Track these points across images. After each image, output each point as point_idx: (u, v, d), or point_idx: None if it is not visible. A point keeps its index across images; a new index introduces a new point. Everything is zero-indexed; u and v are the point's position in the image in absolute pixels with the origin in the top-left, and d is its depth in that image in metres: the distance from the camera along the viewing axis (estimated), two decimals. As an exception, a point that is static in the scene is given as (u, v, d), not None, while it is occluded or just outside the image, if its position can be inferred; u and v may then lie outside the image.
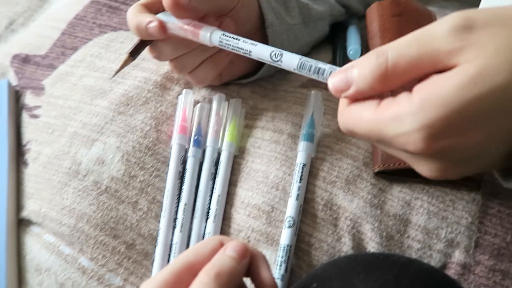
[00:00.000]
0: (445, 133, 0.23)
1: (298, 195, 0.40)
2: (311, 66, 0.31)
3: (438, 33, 0.24)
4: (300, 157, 0.41)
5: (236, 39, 0.35)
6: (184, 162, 0.43)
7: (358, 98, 0.27)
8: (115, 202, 0.41)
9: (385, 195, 0.39)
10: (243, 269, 0.30)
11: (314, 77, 0.31)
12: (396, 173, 0.40)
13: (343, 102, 0.28)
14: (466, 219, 0.38)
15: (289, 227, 0.39)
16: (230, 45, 0.35)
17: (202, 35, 0.37)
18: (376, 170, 0.40)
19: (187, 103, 0.45)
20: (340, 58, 0.50)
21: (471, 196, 0.39)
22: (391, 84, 0.26)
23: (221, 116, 0.45)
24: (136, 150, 0.44)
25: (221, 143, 0.44)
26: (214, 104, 0.45)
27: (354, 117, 0.27)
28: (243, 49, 0.35)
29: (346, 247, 0.38)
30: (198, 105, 0.45)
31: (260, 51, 0.34)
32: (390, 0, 0.46)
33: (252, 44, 0.35)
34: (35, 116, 0.49)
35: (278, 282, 0.38)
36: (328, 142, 0.43)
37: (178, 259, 0.30)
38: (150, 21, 0.38)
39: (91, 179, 0.42)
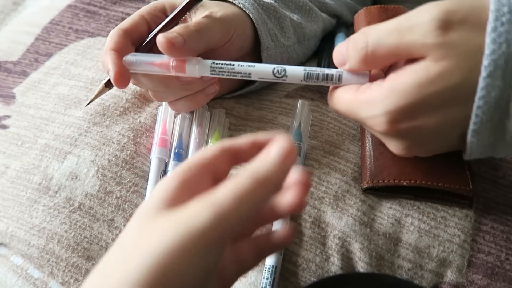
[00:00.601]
0: (404, 118, 0.29)
1: (284, 212, 0.38)
2: (318, 74, 0.33)
3: (417, 24, 0.28)
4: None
5: (230, 64, 0.34)
6: (163, 176, 0.41)
7: (352, 71, 0.32)
8: (89, 220, 0.39)
9: (375, 212, 0.38)
10: (289, 171, 0.25)
11: (323, 83, 0.33)
12: (385, 190, 0.38)
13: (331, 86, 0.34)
14: (458, 237, 0.37)
15: (275, 246, 0.37)
16: (225, 71, 0.34)
17: (189, 68, 0.35)
18: (365, 187, 0.38)
19: (168, 115, 0.43)
20: (325, 66, 0.49)
21: (464, 212, 0.38)
22: (372, 66, 0.31)
23: (203, 127, 0.43)
24: (113, 164, 0.41)
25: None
26: (196, 115, 0.43)
27: (337, 98, 0.33)
28: (240, 73, 0.34)
29: (334, 267, 0.37)
30: (179, 116, 0.43)
31: (261, 71, 0.34)
32: (378, 6, 0.45)
33: (249, 66, 0.34)
34: (4, 127, 0.46)
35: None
36: (316, 155, 0.41)
37: (191, 161, 0.26)
38: (109, 70, 0.36)
39: (63, 196, 0.40)
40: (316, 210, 0.38)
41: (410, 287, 0.34)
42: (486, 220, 0.38)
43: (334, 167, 0.40)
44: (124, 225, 0.39)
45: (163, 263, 0.21)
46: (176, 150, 0.41)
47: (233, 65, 0.34)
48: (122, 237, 0.25)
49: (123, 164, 0.41)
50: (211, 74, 0.34)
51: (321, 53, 0.51)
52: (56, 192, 0.40)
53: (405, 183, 0.37)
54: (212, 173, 0.26)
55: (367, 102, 0.30)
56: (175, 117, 0.43)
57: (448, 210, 0.38)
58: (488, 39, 0.27)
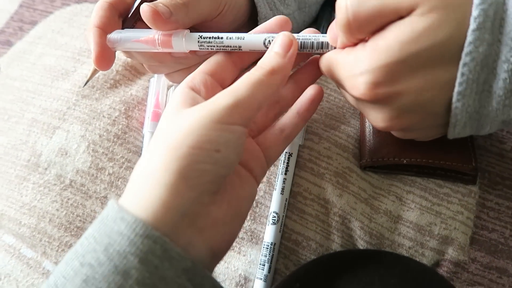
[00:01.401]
0: (384, 80, 0.26)
1: (283, 189, 0.37)
2: (313, 43, 0.31)
3: None
4: (287, 147, 0.38)
5: (218, 37, 0.32)
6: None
7: (345, 46, 0.29)
8: (81, 197, 0.38)
9: (375, 189, 0.37)
10: (292, 61, 0.29)
11: (319, 51, 0.32)
12: (384, 168, 0.37)
13: None
14: (462, 214, 0.36)
15: (273, 223, 0.37)
16: (214, 46, 0.32)
17: (175, 42, 0.33)
18: (364, 165, 0.37)
19: (160, 87, 0.41)
20: (323, 31, 0.46)
21: (467, 188, 0.37)
22: (359, 34, 0.27)
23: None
24: (104, 139, 0.40)
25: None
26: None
27: (323, 57, 0.31)
28: (230, 47, 0.32)
29: (335, 245, 0.36)
30: (172, 87, 0.41)
31: (251, 43, 0.32)
32: None
33: (239, 38, 0.32)
34: (-11, 100, 0.45)
35: (261, 283, 0.36)
36: (316, 129, 0.40)
37: (199, 68, 0.31)
38: (91, 50, 0.34)
39: (53, 172, 0.39)
40: (316, 187, 0.37)
41: (410, 264, 0.33)
42: (491, 196, 0.37)
43: (335, 142, 0.39)
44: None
45: (196, 134, 0.25)
46: (170, 125, 0.40)
47: (222, 38, 0.32)
48: (159, 128, 0.28)
49: (115, 139, 0.40)
50: (199, 48, 0.33)
51: (319, 20, 0.49)
52: (46, 169, 0.39)
53: (405, 161, 0.35)
54: (219, 80, 0.31)
55: (348, 61, 0.28)
56: (168, 89, 0.41)
57: (451, 187, 0.37)
58: None
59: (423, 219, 0.36)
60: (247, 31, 0.33)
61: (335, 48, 0.31)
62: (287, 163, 0.38)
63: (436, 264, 0.36)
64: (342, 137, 0.39)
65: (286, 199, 0.37)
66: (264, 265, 0.36)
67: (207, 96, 0.29)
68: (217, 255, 0.27)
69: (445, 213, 0.36)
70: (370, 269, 0.31)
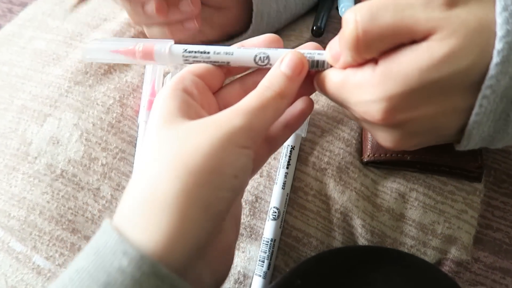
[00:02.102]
0: (403, 107, 0.25)
1: (284, 183, 0.36)
2: (308, 61, 0.29)
3: None
4: (289, 139, 0.37)
5: (205, 52, 0.29)
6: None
7: (348, 67, 0.27)
8: (73, 189, 0.36)
9: (378, 186, 0.36)
10: (297, 87, 0.28)
11: (314, 69, 0.29)
12: (386, 163, 0.37)
13: None
14: (466, 213, 0.35)
15: (274, 219, 0.36)
16: (199, 60, 0.30)
17: (158, 55, 0.30)
18: (366, 160, 0.36)
19: (156, 75, 0.39)
20: (323, 19, 0.45)
21: (473, 186, 0.36)
22: (366, 53, 0.25)
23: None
24: (97, 128, 0.38)
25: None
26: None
27: (324, 79, 0.29)
28: (218, 62, 0.30)
29: (336, 242, 0.35)
30: (168, 75, 0.40)
31: (240, 59, 0.29)
32: None
33: (227, 53, 0.29)
34: (-24, 85, 0.43)
35: (260, 280, 0.35)
36: (319, 121, 0.39)
37: (185, 69, 0.29)
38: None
39: (43, 162, 0.37)
40: (318, 183, 0.36)
41: (414, 261, 0.33)
42: (496, 194, 0.36)
43: (338, 136, 0.38)
44: (111, 195, 0.37)
45: (216, 158, 0.23)
46: (167, 115, 0.38)
47: (208, 52, 0.29)
48: (153, 141, 0.25)
49: (108, 128, 0.38)
50: (184, 62, 0.30)
51: (320, 9, 0.47)
52: (36, 158, 0.37)
53: (409, 157, 0.35)
54: (208, 84, 0.29)
55: (358, 85, 0.26)
56: (164, 76, 0.40)
57: (456, 184, 0.36)
58: (499, 19, 0.23)
59: (426, 218, 0.35)
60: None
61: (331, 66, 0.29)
62: (289, 156, 0.37)
63: (438, 263, 0.35)
64: (345, 130, 0.38)
65: (287, 194, 0.36)
66: (264, 262, 0.35)
67: (201, 101, 0.28)
68: (219, 286, 0.26)
69: (449, 212, 0.35)
70: (373, 266, 0.31)
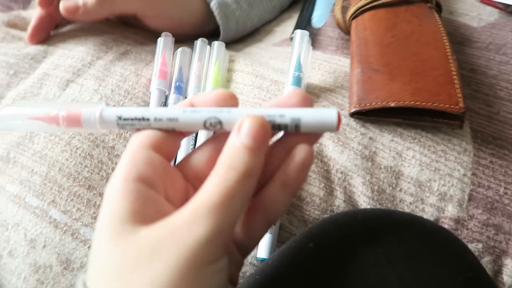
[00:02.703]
0: None
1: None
2: (286, 125, 0.24)
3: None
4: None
5: (143, 119, 0.25)
6: (164, 109, 0.42)
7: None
8: (88, 146, 0.39)
9: (376, 144, 0.39)
10: (263, 157, 0.24)
11: (279, 133, 0.26)
12: (372, 114, 0.39)
13: None
14: (458, 171, 0.38)
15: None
16: (139, 128, 0.25)
17: (86, 122, 0.25)
18: (352, 111, 0.39)
19: (167, 48, 0.43)
20: (303, 23, 0.49)
21: (462, 146, 0.38)
22: None
23: (203, 61, 0.43)
24: (115, 94, 0.42)
25: (204, 89, 0.42)
26: (197, 49, 0.43)
27: None
28: (162, 128, 0.25)
29: (338, 200, 0.38)
30: (179, 49, 0.43)
31: (188, 125, 0.25)
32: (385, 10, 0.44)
33: (171, 119, 0.25)
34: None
35: (268, 236, 0.37)
36: (313, 89, 0.42)
37: (136, 145, 0.24)
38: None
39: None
40: (318, 144, 0.39)
41: (426, 224, 0.32)
42: (484, 154, 0.39)
43: (333, 101, 0.41)
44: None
45: None
46: (177, 84, 0.41)
47: (148, 119, 0.25)
48: (94, 269, 0.22)
49: (125, 94, 0.42)
50: (119, 129, 0.26)
51: (304, 8, 0.51)
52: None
53: (392, 104, 0.37)
54: (165, 155, 0.25)
55: None
56: (174, 50, 0.43)
57: (447, 144, 0.38)
58: None
59: (423, 175, 0.38)
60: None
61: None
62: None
63: (436, 221, 0.37)
64: (338, 97, 0.41)
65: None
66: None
67: (162, 185, 0.24)
68: None
69: (443, 170, 0.38)
70: (386, 228, 0.31)
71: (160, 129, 0.25)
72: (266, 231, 0.27)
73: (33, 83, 0.43)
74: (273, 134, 0.25)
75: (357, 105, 0.38)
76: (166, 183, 0.24)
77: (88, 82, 0.42)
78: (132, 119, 0.25)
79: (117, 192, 0.22)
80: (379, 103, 0.37)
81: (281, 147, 0.26)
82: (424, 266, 0.29)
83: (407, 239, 0.30)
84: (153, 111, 0.25)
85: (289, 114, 0.24)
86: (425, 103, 0.37)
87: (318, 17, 0.47)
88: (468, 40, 0.48)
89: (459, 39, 0.48)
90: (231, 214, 0.22)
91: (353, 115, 0.39)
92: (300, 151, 0.25)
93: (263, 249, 0.37)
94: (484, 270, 0.31)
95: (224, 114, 0.24)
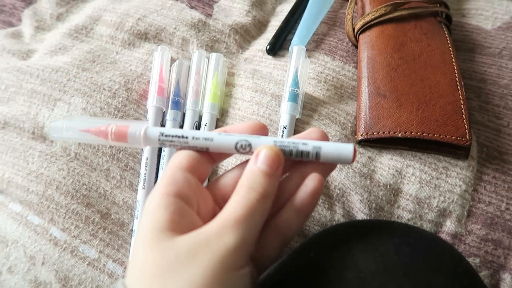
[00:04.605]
0: None
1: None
2: (291, 151, 0.35)
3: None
4: (283, 119, 0.48)
5: (182, 136, 0.35)
6: (161, 126, 0.50)
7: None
8: (87, 169, 0.48)
9: (375, 163, 0.47)
10: (278, 181, 0.34)
11: (298, 159, 0.35)
12: (379, 141, 0.47)
13: None
14: (459, 187, 0.46)
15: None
16: (177, 145, 0.35)
17: (132, 137, 0.35)
18: (359, 139, 0.47)
19: (164, 60, 0.51)
20: (281, 39, 0.58)
21: (466, 162, 0.47)
22: None
23: (201, 74, 0.52)
24: (105, 112, 0.51)
25: (201, 105, 0.51)
26: (194, 61, 0.52)
27: None
28: (196, 147, 0.35)
29: (337, 215, 0.46)
30: (176, 62, 0.52)
31: (221, 146, 0.35)
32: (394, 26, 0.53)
33: (206, 139, 0.35)
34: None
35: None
36: (316, 105, 0.51)
37: (174, 163, 0.34)
38: None
39: (59, 145, 0.50)
40: (317, 162, 0.48)
41: (422, 233, 0.39)
42: (488, 170, 0.47)
43: (334, 119, 0.50)
44: (120, 175, 0.49)
45: None
46: (175, 99, 0.50)
47: (187, 137, 0.35)
48: (136, 268, 0.30)
49: (115, 112, 0.51)
50: (159, 145, 0.36)
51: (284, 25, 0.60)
52: (52, 141, 0.49)
53: (400, 134, 0.46)
54: (198, 177, 0.35)
55: None
56: (171, 63, 0.52)
57: (450, 160, 0.47)
58: None
59: (422, 192, 0.46)
60: None
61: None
62: (281, 136, 0.48)
63: (434, 236, 0.46)
64: (341, 114, 0.50)
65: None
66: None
67: (196, 203, 0.34)
68: None
69: (444, 186, 0.46)
70: (384, 238, 0.37)
71: (195, 150, 0.35)
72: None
73: (23, 101, 0.52)
74: (295, 161, 0.36)
75: (365, 134, 0.47)
76: (199, 200, 0.34)
77: (75, 99, 0.51)
78: (172, 136, 0.35)
79: (158, 204, 0.31)
80: (386, 133, 0.46)
81: (297, 175, 0.36)
82: (421, 273, 0.35)
83: (404, 248, 0.37)
84: (191, 131, 0.35)
85: (311, 143, 0.35)
86: (432, 135, 0.45)
87: (299, 39, 0.55)
88: (480, 46, 0.57)
89: (471, 45, 0.57)
90: (253, 227, 0.31)
91: (360, 142, 0.48)
92: (313, 180, 0.35)
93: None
94: (479, 278, 0.38)
95: (254, 139, 0.35)
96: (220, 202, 0.36)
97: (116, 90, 0.52)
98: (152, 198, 0.33)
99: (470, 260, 0.44)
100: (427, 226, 0.45)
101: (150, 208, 0.32)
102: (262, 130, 0.36)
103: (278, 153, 0.34)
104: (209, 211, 0.35)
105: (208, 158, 0.36)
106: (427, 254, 0.37)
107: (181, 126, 0.51)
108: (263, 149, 0.34)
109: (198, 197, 0.34)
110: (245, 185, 0.32)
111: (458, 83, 0.48)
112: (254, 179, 0.32)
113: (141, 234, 0.31)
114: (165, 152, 0.49)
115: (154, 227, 0.31)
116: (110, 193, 0.48)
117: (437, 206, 0.46)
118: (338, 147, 0.35)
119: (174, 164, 0.34)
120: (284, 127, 0.48)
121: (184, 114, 0.51)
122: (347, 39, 0.57)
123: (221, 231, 0.30)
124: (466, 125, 0.46)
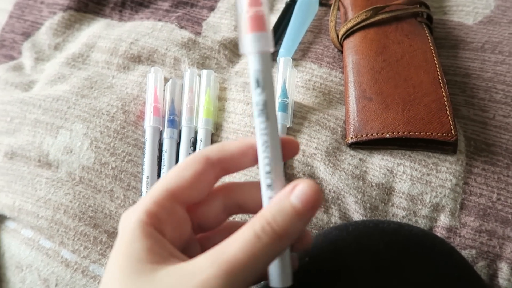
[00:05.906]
0: None
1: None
2: None
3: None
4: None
5: None
6: (159, 145, 0.53)
7: None
8: (92, 192, 0.51)
9: (366, 164, 0.49)
10: (305, 226, 0.28)
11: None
12: (369, 143, 0.50)
13: None
14: (450, 181, 0.48)
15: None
16: None
17: None
18: (349, 142, 0.50)
19: (158, 81, 0.54)
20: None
21: (455, 156, 0.49)
22: None
23: (194, 92, 0.54)
24: (105, 135, 0.53)
25: (196, 121, 0.53)
26: (186, 79, 0.55)
27: None
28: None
29: (334, 218, 0.48)
30: (169, 82, 0.54)
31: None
32: None
33: None
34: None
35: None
36: (305, 113, 0.53)
37: (158, 185, 0.29)
38: None
39: (64, 170, 0.52)
40: (309, 167, 0.50)
41: (413, 230, 0.41)
42: (477, 162, 0.49)
43: (324, 125, 0.52)
44: (123, 195, 0.51)
45: None
46: (171, 117, 0.53)
47: None
48: None
49: (114, 135, 0.53)
50: None
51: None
52: (57, 167, 0.52)
53: (387, 135, 0.48)
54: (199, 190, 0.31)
55: None
56: (165, 83, 0.55)
57: (439, 156, 0.49)
58: None
59: (415, 189, 0.48)
60: None
61: None
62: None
63: (429, 230, 0.48)
64: (331, 120, 0.52)
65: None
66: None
67: (175, 234, 0.29)
68: None
69: (435, 182, 0.48)
70: (375, 238, 0.39)
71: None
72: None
73: (28, 131, 0.55)
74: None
75: (354, 137, 0.49)
76: (176, 234, 0.30)
77: (76, 126, 0.54)
78: None
79: (136, 235, 0.27)
80: (374, 135, 0.48)
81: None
82: (412, 270, 0.36)
83: (394, 246, 0.38)
84: None
85: None
86: (419, 133, 0.47)
87: (286, 50, 0.58)
88: (463, 41, 0.59)
89: (454, 42, 0.59)
90: (249, 274, 0.25)
91: (351, 145, 0.50)
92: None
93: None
94: (472, 269, 0.40)
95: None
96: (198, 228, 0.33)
97: (114, 113, 0.54)
98: (127, 226, 0.28)
99: (466, 252, 0.46)
100: (421, 222, 0.47)
101: (125, 238, 0.28)
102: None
103: (319, 192, 0.27)
104: (183, 239, 0.31)
105: (207, 182, 0.31)
106: (417, 250, 0.38)
107: (178, 143, 0.53)
108: (303, 183, 0.27)
109: (178, 229, 0.30)
110: (265, 217, 0.26)
111: (440, 80, 0.51)
112: (277, 213, 0.26)
113: (116, 265, 0.27)
114: (164, 169, 0.52)
115: (132, 259, 0.27)
116: (115, 212, 0.51)
117: (430, 201, 0.47)
118: None
119: (159, 188, 0.30)
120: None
121: (180, 131, 0.54)
122: (333, 46, 0.59)
123: (211, 274, 0.25)
124: (451, 121, 0.48)
